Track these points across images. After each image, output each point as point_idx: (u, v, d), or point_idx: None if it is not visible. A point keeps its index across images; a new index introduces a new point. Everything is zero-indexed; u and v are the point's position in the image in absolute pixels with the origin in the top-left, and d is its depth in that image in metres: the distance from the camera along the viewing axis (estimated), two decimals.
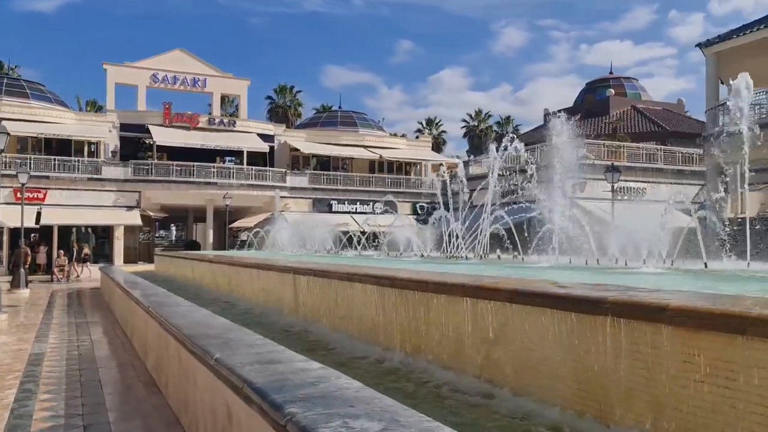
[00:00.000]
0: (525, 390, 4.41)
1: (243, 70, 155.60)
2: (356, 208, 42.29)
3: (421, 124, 76.62)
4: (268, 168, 41.42)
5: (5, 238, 34.72)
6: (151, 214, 38.99)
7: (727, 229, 9.70)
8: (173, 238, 57.87)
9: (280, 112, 64.81)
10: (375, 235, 25.62)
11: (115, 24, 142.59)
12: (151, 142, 39.19)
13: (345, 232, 25.90)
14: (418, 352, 5.95)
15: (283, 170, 42.10)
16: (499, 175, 14.39)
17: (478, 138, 74.37)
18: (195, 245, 41.94)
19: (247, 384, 3.21)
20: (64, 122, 38.51)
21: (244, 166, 40.41)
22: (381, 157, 45.35)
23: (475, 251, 14.12)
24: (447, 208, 15.95)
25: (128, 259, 36.14)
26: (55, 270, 31.74)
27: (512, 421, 4.23)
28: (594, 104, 49.01)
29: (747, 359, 2.92)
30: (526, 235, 12.93)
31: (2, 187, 28.34)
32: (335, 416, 2.51)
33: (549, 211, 12.72)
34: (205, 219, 41.46)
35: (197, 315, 6.40)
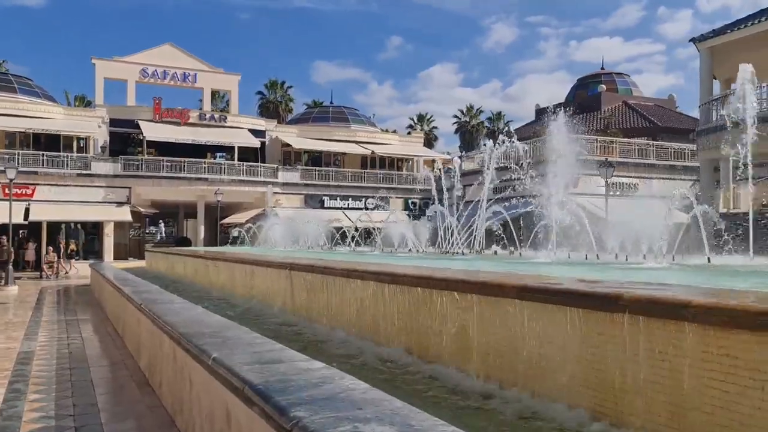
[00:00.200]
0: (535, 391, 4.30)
1: (233, 65, 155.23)
2: (348, 204, 42.14)
3: (413, 120, 76.52)
4: (259, 164, 41.17)
5: None
6: (142, 210, 38.70)
7: (723, 224, 9.61)
8: (163, 234, 57.22)
9: (271, 108, 64.48)
10: (368, 231, 25.48)
11: (103, 18, 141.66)
12: (141, 138, 38.83)
13: (338, 228, 25.75)
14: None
15: (275, 166, 41.86)
16: (496, 169, 14.26)
17: (469, 134, 74.38)
18: (186, 242, 41.68)
19: (248, 385, 3.08)
20: (52, 117, 38.12)
21: (236, 161, 40.14)
22: (373, 152, 45.18)
23: (471, 247, 14.01)
24: (442, 204, 15.84)
25: (118, 256, 35.80)
26: (44, 267, 31.43)
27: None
28: (586, 100, 49.04)
29: None
30: (521, 230, 12.84)
31: None
32: (344, 420, 2.38)
33: (543, 207, 12.63)
34: (196, 215, 41.19)
35: (192, 312, 6.25)
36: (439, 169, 22.92)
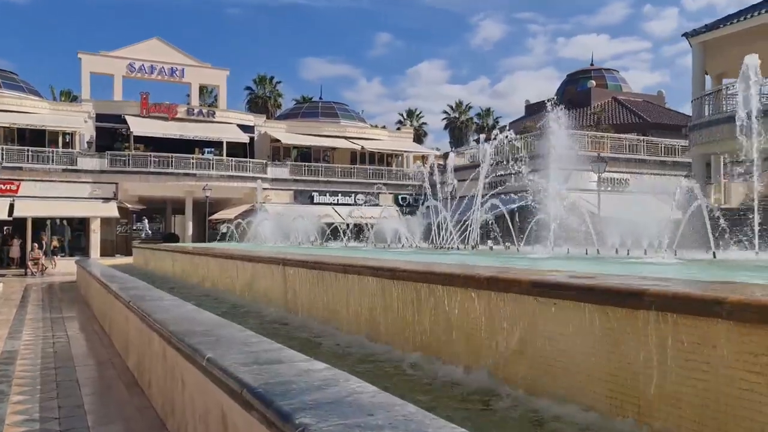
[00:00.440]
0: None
1: (221, 60, 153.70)
2: (338, 200, 41.91)
3: (402, 115, 76.45)
4: (248, 159, 40.81)
5: None
6: (129, 206, 38.27)
7: (722, 219, 9.48)
8: (147, 231, 56.13)
9: (260, 103, 64.09)
10: (359, 227, 25.27)
11: (89, 13, 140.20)
12: (128, 133, 38.34)
13: (329, 224, 25.53)
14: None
15: (264, 161, 41.52)
16: (493, 163, 14.10)
17: (458, 130, 74.41)
18: (174, 238, 41.25)
19: (246, 388, 2.86)
20: (37, 112, 37.55)
21: (224, 157, 39.79)
22: (363, 148, 44.95)
23: (465, 242, 13.83)
24: (436, 199, 15.66)
25: (105, 252, 35.38)
26: (29, 264, 30.97)
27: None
28: (576, 95, 49.00)
29: None
30: (516, 225, 12.68)
31: None
32: (354, 427, 2.19)
33: (538, 202, 12.47)
34: (183, 211, 40.81)
35: (182, 309, 6.03)
36: (432, 164, 22.72)
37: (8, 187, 34.01)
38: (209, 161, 39.01)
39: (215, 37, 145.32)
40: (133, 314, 6.71)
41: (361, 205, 38.48)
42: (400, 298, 5.83)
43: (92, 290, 13.69)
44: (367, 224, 22.42)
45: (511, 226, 12.76)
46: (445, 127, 76.86)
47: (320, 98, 55.04)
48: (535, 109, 51.20)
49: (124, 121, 38.40)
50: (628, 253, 9.15)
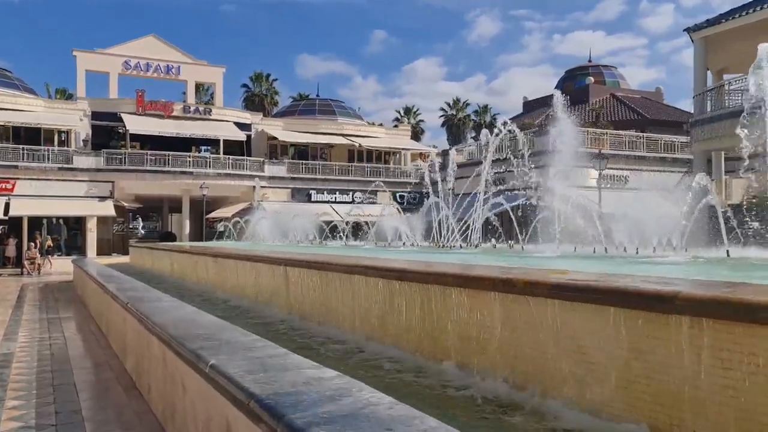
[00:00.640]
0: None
1: (217, 58, 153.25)
2: (335, 198, 41.68)
3: (399, 113, 76.24)
4: (245, 157, 40.56)
5: None
6: (125, 204, 38.03)
7: (730, 215, 9.32)
8: (141, 230, 55.58)
9: (257, 101, 63.74)
10: (358, 225, 25.07)
11: (84, 10, 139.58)
12: (124, 131, 38.06)
13: (328, 222, 25.33)
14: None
15: (261, 159, 41.27)
16: (493, 161, 13.91)
17: (456, 127, 74.18)
18: (170, 236, 41.03)
19: (254, 399, 2.69)
20: (32, 110, 37.26)
21: (221, 155, 39.55)
22: (360, 145, 44.74)
23: (468, 240, 13.65)
24: (437, 196, 15.47)
25: (102, 251, 35.13)
26: (26, 263, 30.72)
27: None
28: (574, 92, 48.78)
29: None
30: (520, 222, 12.49)
31: None
32: None
33: (540, 199, 12.30)
34: (180, 210, 40.57)
35: (182, 311, 5.85)
36: (433, 162, 22.54)
37: (3, 186, 33.76)
38: (206, 159, 38.76)
39: (211, 35, 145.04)
40: (131, 316, 6.52)
41: (359, 203, 38.25)
42: (427, 302, 5.53)
43: (89, 290, 13.50)
44: (366, 222, 22.23)
45: (515, 224, 12.55)
46: (443, 125, 76.61)
47: (317, 95, 54.78)
48: (533, 106, 51.08)
49: (120, 119, 38.11)
50: (637, 252, 8.99)
